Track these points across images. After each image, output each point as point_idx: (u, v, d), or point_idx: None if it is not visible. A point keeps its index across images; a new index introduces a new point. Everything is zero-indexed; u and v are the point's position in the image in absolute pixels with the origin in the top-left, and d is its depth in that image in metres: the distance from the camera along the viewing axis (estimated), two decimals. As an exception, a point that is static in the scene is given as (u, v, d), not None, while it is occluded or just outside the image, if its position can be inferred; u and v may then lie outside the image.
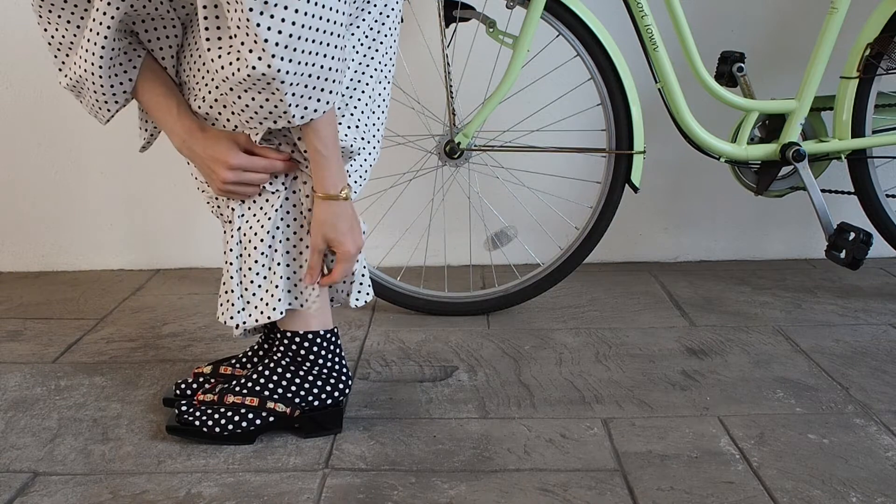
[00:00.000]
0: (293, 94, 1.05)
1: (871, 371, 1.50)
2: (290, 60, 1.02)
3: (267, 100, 1.06)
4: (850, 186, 1.86)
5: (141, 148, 1.29)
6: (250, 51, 1.01)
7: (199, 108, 1.18)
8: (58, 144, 2.09)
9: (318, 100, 1.09)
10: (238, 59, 1.03)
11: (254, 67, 1.01)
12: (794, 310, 1.82)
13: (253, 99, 1.06)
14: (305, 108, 1.08)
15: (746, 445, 1.24)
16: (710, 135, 1.73)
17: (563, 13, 1.64)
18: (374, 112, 1.27)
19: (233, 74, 1.04)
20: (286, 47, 1.01)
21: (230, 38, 1.04)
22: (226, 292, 1.25)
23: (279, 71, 1.02)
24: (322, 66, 1.06)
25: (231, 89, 1.06)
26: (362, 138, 1.23)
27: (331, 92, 1.09)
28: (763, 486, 1.14)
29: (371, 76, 1.26)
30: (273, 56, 1.00)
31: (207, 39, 1.06)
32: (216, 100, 1.16)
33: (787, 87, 2.07)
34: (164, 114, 1.18)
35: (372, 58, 1.26)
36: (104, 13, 1.10)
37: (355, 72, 1.24)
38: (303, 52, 1.03)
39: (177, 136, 1.18)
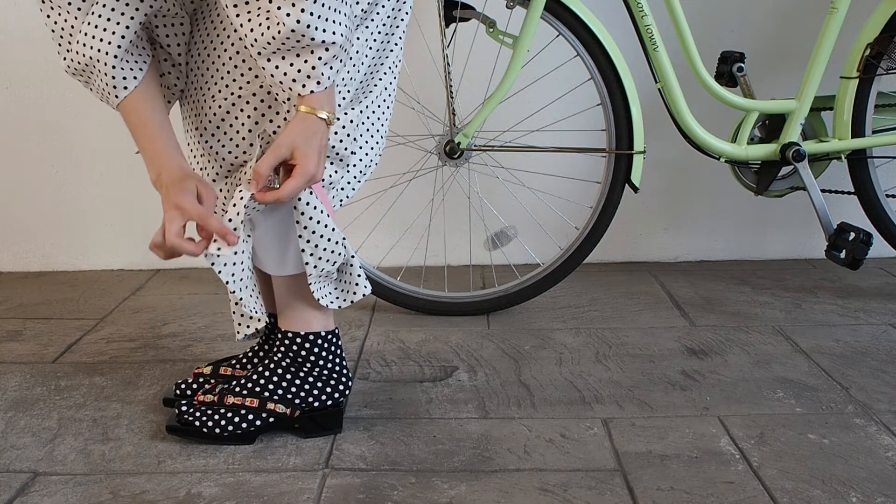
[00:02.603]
0: (324, 52, 1.05)
1: (871, 371, 1.50)
2: (320, 17, 1.03)
3: (298, 55, 1.05)
4: (850, 186, 1.86)
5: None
6: (279, 7, 1.01)
7: (210, 109, 1.18)
8: (57, 144, 2.09)
9: (341, 59, 1.08)
10: (268, 19, 1.03)
11: (283, 24, 1.01)
12: (794, 310, 1.82)
13: (283, 59, 1.05)
14: (331, 67, 1.07)
15: (746, 445, 1.24)
16: (710, 135, 1.73)
17: (563, 13, 1.64)
18: (374, 112, 1.27)
19: (262, 35, 1.03)
20: (314, 1, 1.01)
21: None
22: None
23: (308, 27, 1.02)
24: (345, 25, 1.06)
25: (259, 53, 1.05)
26: (354, 139, 1.23)
27: (346, 52, 1.10)
28: (763, 486, 1.14)
29: (380, 79, 1.26)
30: (303, 11, 1.01)
31: (235, 6, 1.05)
32: (226, 98, 1.16)
33: (787, 87, 2.07)
34: (148, 142, 1.16)
35: (384, 60, 1.26)
36: (121, 13, 1.11)
37: (365, 74, 1.24)
38: (325, 6, 1.03)
39: (153, 170, 1.15)
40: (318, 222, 1.19)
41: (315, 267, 1.22)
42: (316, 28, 1.03)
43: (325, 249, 1.21)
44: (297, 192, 1.11)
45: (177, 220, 1.11)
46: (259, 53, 1.06)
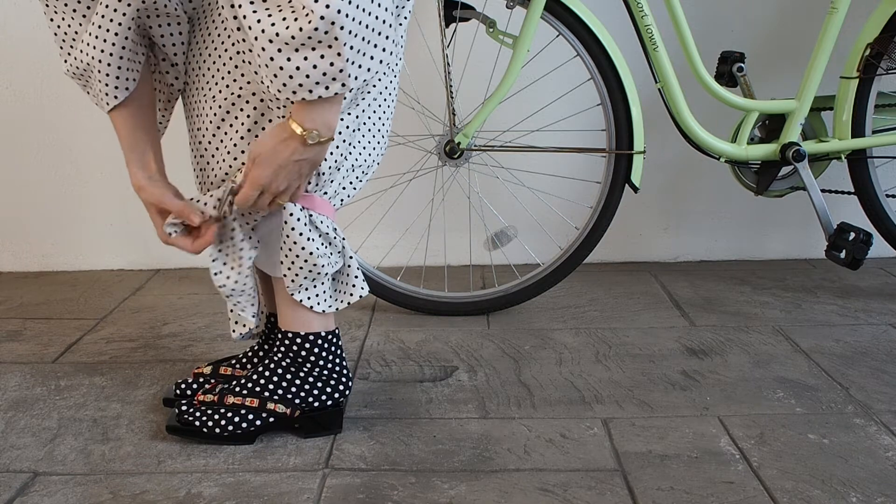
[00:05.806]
0: (350, 47, 1.00)
1: (871, 371, 1.50)
2: (349, 2, 0.97)
3: (322, 56, 1.00)
4: (850, 186, 1.86)
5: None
6: (303, 7, 0.97)
7: (210, 109, 1.18)
8: (58, 144, 2.09)
9: (372, 57, 1.04)
10: (293, 11, 0.98)
11: (312, 11, 0.96)
12: (794, 310, 1.82)
13: (305, 59, 1.00)
14: (360, 66, 1.02)
15: (746, 445, 1.24)
16: (710, 135, 1.74)
17: (563, 13, 1.64)
18: (374, 112, 1.27)
19: (286, 29, 0.98)
20: None
21: None
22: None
23: (338, 12, 0.96)
24: (375, 17, 1.02)
25: (280, 50, 1.00)
26: (350, 143, 1.23)
27: (377, 46, 1.04)
28: (763, 486, 1.14)
29: (379, 79, 1.26)
30: (328, 7, 0.96)
31: (252, 3, 0.99)
32: (226, 98, 1.16)
33: (787, 87, 2.07)
34: (127, 150, 1.22)
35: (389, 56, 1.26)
36: (115, 10, 1.12)
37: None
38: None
39: (131, 174, 1.23)
40: (296, 243, 1.18)
41: (293, 281, 1.22)
42: (346, 15, 0.97)
43: (301, 267, 1.20)
44: (249, 199, 1.13)
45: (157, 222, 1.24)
46: (279, 51, 1.00)
